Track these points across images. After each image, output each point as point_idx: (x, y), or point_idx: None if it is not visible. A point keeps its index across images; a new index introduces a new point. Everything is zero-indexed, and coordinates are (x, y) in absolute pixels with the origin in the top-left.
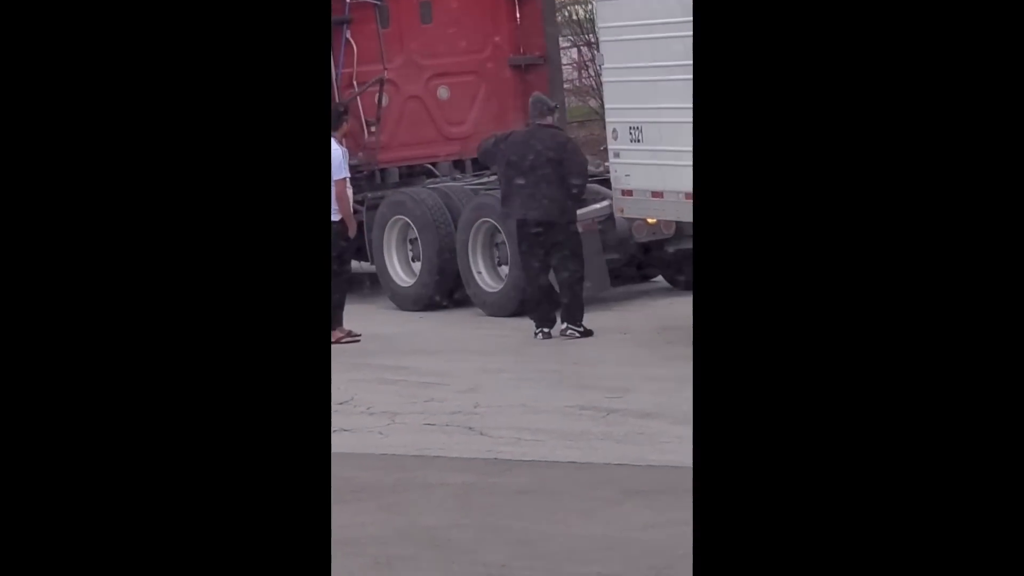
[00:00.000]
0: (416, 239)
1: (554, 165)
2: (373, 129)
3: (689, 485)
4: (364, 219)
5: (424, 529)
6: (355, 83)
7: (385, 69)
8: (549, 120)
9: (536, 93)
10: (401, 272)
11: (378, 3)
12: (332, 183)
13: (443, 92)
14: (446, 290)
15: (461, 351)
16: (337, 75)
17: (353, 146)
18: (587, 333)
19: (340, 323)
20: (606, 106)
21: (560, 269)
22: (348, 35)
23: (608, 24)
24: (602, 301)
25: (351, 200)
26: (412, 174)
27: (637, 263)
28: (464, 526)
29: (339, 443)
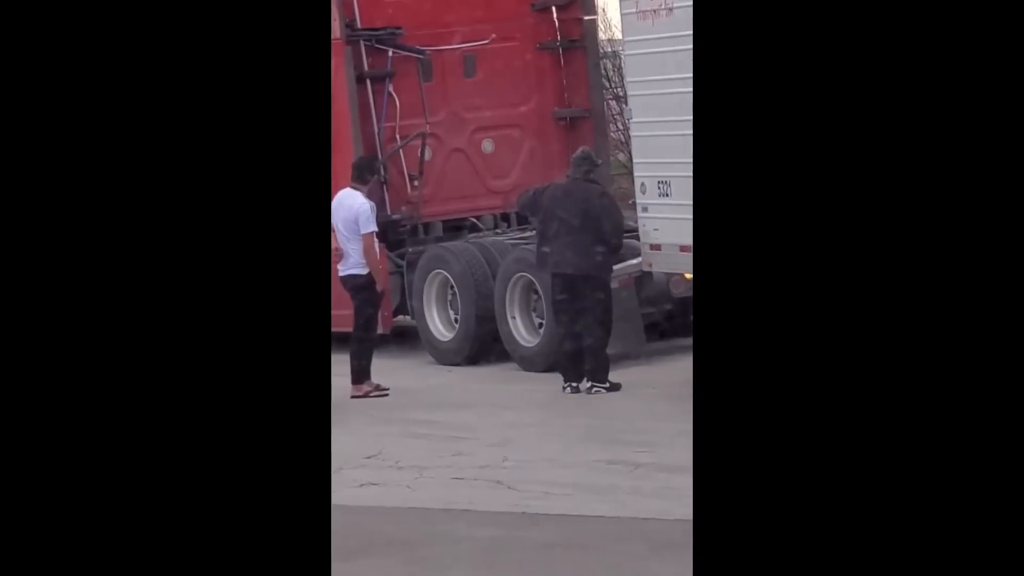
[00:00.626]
0: (456, 293)
1: (592, 220)
2: (416, 183)
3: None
4: (405, 274)
5: None
6: (397, 137)
7: (427, 123)
8: (591, 176)
9: (584, 148)
10: (441, 327)
11: (421, 57)
12: (360, 236)
13: (487, 145)
14: (485, 345)
15: (490, 405)
16: (379, 129)
17: (396, 200)
18: (614, 387)
19: (368, 376)
20: (634, 160)
21: (586, 334)
22: (391, 89)
23: (636, 78)
24: (635, 357)
25: (377, 253)
26: (456, 228)
27: (673, 318)
28: None
29: (367, 496)
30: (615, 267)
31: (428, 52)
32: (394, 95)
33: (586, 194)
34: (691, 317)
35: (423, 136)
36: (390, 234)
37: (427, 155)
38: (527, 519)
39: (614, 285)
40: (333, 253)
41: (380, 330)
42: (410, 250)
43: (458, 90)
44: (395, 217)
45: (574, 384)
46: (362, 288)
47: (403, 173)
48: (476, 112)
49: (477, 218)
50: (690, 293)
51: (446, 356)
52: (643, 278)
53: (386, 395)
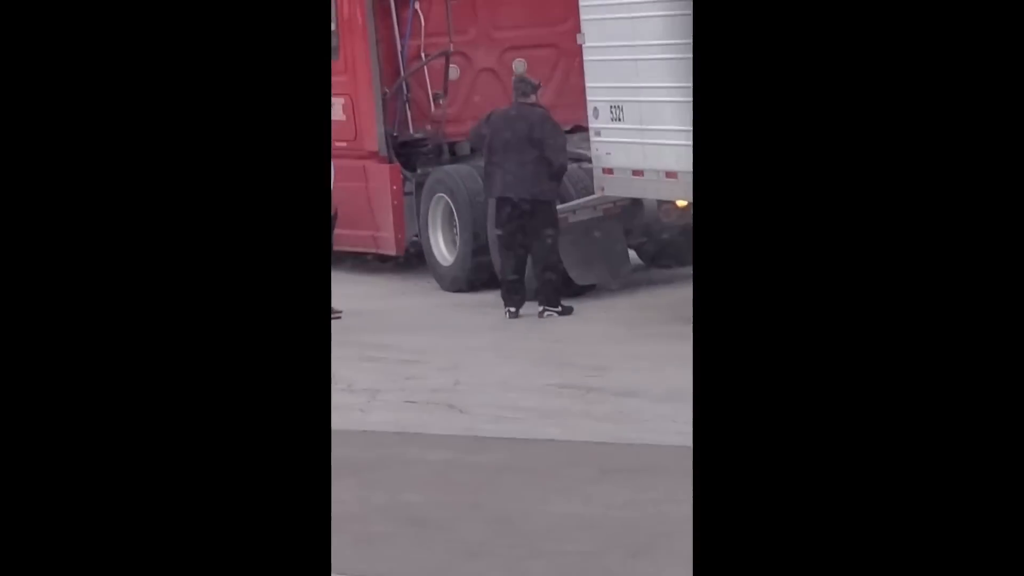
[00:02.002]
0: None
1: (535, 143)
2: (440, 102)
3: (668, 464)
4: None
5: (404, 506)
6: (423, 55)
7: (451, 42)
8: (533, 99)
9: (519, 72)
10: (445, 251)
11: None
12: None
13: (519, 65)
14: (484, 272)
15: (442, 328)
16: (403, 46)
17: (419, 118)
18: (566, 311)
19: None
20: (587, 85)
21: (535, 258)
22: (416, 6)
23: (589, 3)
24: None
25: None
26: None
27: (669, 246)
28: (443, 504)
29: None
30: (594, 197)
31: None
32: (419, 12)
33: (528, 117)
34: (690, 244)
35: (447, 55)
36: (411, 153)
37: (453, 74)
38: (479, 442)
39: (598, 215)
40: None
41: (390, 251)
42: (419, 171)
43: (489, 8)
44: (417, 136)
45: (512, 310)
46: None
47: (427, 91)
48: (508, 31)
49: None
50: (684, 220)
51: (448, 282)
52: (632, 207)
53: (339, 318)
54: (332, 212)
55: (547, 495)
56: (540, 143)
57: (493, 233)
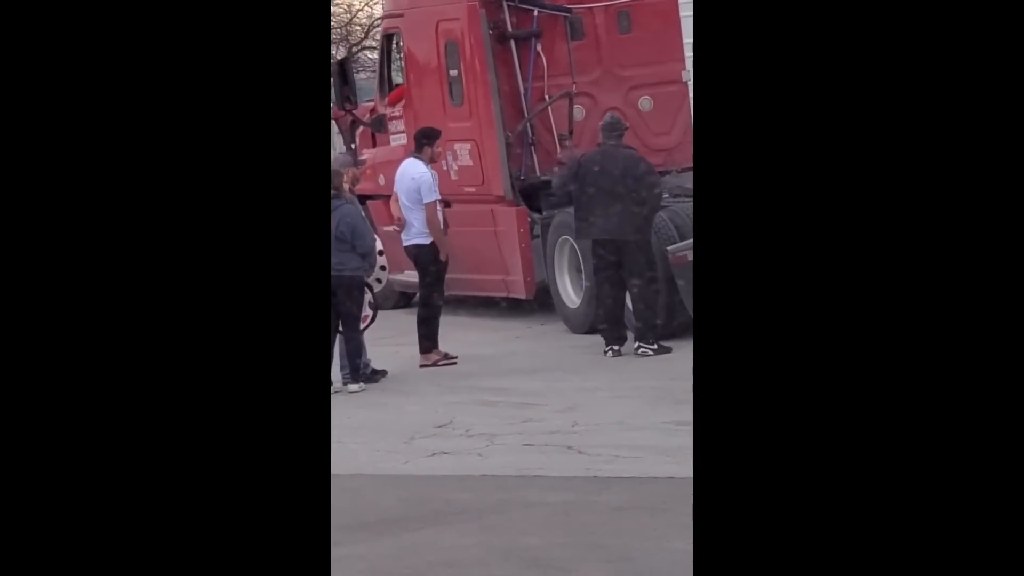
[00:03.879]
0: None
1: (631, 183)
2: (566, 143)
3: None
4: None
5: (525, 549)
6: (546, 96)
7: (574, 83)
8: (622, 140)
9: (611, 113)
10: (572, 293)
11: (568, 15)
12: (423, 206)
13: (645, 103)
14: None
15: (558, 370)
16: (526, 89)
17: (545, 161)
18: (663, 350)
19: (436, 345)
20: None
21: (635, 296)
22: (538, 48)
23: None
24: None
25: (441, 223)
26: None
27: None
28: (565, 545)
29: (439, 465)
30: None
31: (575, 10)
32: (541, 54)
33: (620, 158)
34: None
35: (570, 96)
36: (539, 196)
37: (578, 114)
38: (598, 483)
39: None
40: (396, 222)
41: (520, 295)
42: (544, 214)
43: (612, 47)
44: (544, 178)
45: (615, 348)
46: (425, 258)
47: (552, 133)
48: (632, 69)
49: None
50: None
51: (576, 324)
52: None
53: (455, 363)
54: (444, 258)
55: (668, 532)
56: (635, 183)
57: (590, 276)
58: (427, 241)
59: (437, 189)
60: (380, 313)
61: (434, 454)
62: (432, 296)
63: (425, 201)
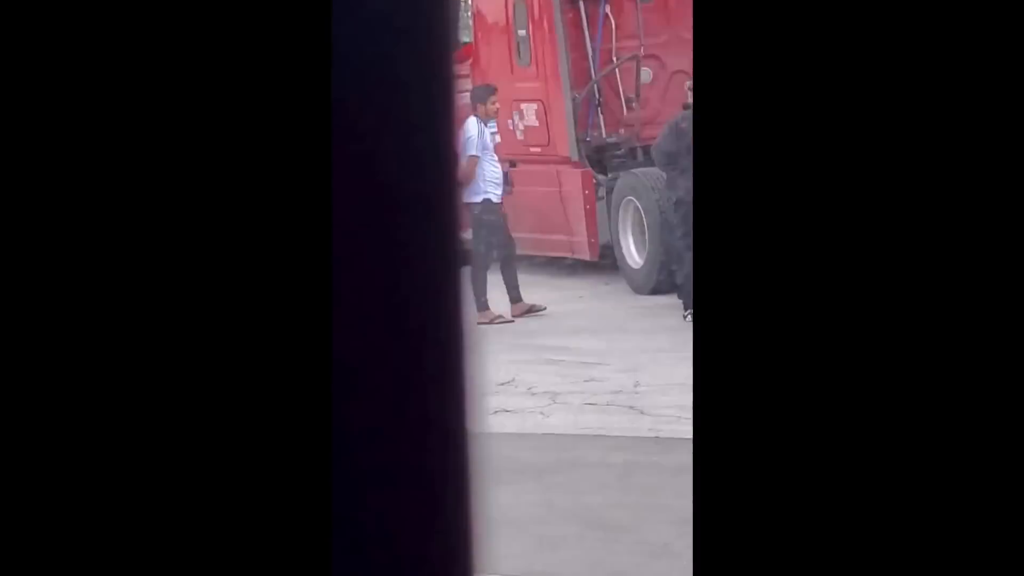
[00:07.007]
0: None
1: None
2: (633, 105)
3: None
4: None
5: (586, 508)
6: (614, 59)
7: (642, 45)
8: None
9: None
10: (636, 255)
11: None
12: (463, 160)
13: None
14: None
15: (622, 330)
16: (594, 50)
17: (611, 122)
18: None
19: (486, 307)
20: None
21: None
22: (607, 10)
23: None
24: None
25: (478, 179)
26: None
27: None
28: (626, 505)
29: (501, 423)
30: None
31: None
32: (610, 16)
33: None
34: None
35: (638, 58)
36: (604, 158)
37: (645, 77)
38: (660, 443)
39: None
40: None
41: (585, 256)
42: (609, 176)
43: (680, 10)
44: (610, 140)
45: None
46: (474, 217)
47: (619, 95)
48: None
49: None
50: None
51: (639, 285)
52: None
53: (511, 322)
54: (502, 213)
55: None
56: None
57: (672, 237)
58: (478, 199)
59: (488, 146)
60: None
61: (496, 412)
62: (475, 255)
63: (468, 154)
